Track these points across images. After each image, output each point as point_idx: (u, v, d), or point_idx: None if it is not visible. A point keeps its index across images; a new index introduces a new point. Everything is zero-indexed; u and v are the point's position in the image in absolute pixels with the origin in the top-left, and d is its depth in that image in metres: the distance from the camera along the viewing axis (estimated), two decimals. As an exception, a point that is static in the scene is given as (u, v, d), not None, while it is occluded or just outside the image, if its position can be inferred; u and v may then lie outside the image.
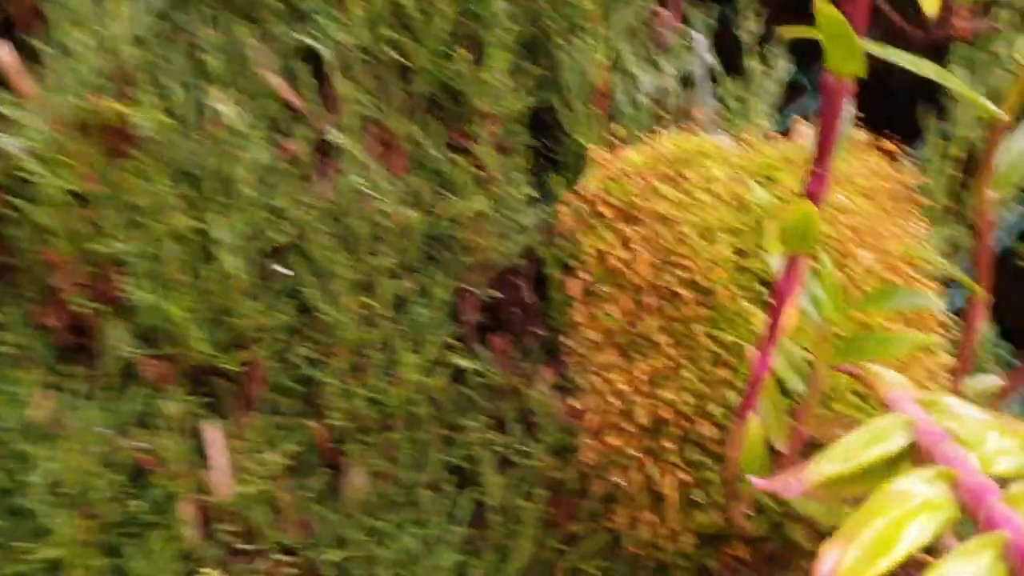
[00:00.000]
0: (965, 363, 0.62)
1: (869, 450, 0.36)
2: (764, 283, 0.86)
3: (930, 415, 0.37)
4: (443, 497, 0.78)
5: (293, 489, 0.77)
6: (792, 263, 0.46)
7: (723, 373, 0.85)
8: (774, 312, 0.50)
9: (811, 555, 0.62)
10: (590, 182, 0.91)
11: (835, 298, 0.51)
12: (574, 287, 0.92)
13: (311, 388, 0.82)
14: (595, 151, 0.84)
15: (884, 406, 0.41)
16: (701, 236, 0.87)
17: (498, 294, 1.03)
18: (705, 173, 0.88)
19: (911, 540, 0.28)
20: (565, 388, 0.97)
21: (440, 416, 0.84)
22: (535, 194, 1.04)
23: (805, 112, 1.15)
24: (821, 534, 0.58)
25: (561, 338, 0.96)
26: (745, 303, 0.86)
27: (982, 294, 0.58)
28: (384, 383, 0.81)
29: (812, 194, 0.40)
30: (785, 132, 0.98)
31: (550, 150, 1.01)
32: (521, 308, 1.10)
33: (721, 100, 1.11)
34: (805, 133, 0.99)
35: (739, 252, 0.87)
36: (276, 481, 0.76)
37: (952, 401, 0.38)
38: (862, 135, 1.00)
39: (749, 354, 0.71)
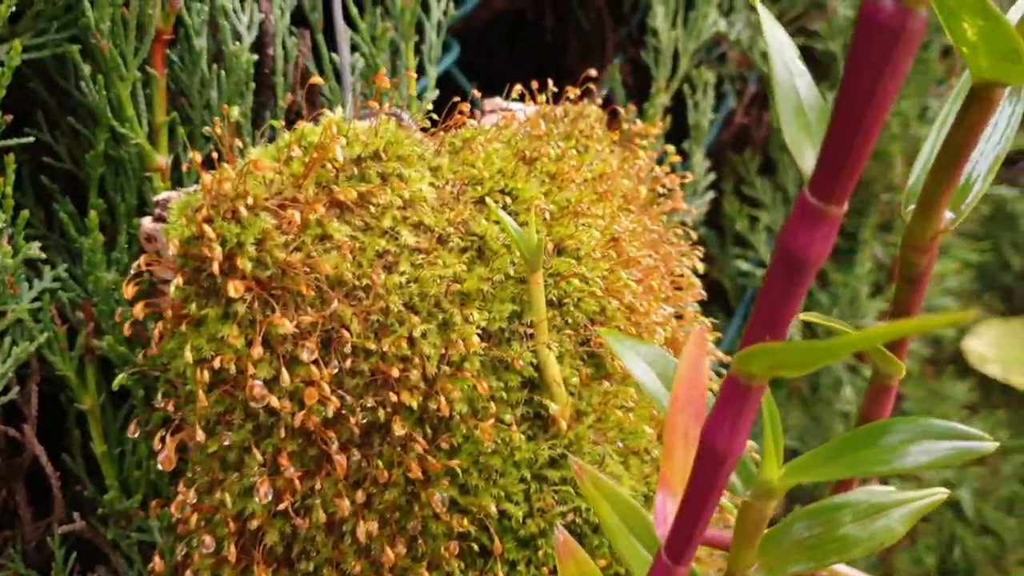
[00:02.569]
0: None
1: None
2: (531, 384, 0.52)
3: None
4: None
5: None
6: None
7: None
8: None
9: None
10: (176, 225, 0.46)
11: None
12: (164, 453, 0.47)
13: None
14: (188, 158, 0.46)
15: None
16: (418, 312, 0.48)
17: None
18: (404, 191, 0.49)
19: None
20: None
21: None
22: (36, 252, 0.56)
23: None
24: None
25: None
26: (517, 436, 0.50)
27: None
28: None
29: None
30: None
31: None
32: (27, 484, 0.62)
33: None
34: (497, 109, 0.64)
35: (487, 334, 0.51)
36: None
37: None
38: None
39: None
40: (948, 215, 0.52)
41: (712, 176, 1.02)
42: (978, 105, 0.47)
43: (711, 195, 1.02)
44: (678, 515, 0.41)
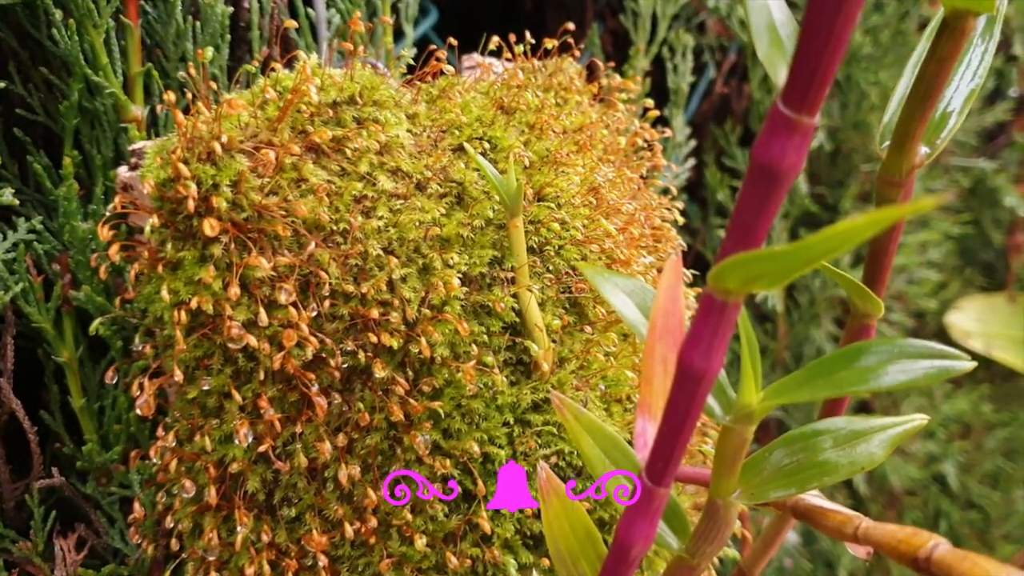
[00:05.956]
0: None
1: None
2: (513, 329, 0.52)
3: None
4: None
5: None
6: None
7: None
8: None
9: None
10: (151, 167, 0.45)
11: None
12: (144, 398, 0.47)
13: None
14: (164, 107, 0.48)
15: None
16: (397, 257, 0.48)
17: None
18: (380, 135, 0.49)
19: None
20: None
21: None
22: (10, 199, 0.56)
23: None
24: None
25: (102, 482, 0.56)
26: (499, 380, 0.50)
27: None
28: None
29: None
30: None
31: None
32: (4, 443, 0.62)
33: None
34: (475, 64, 0.64)
35: (467, 279, 0.51)
36: None
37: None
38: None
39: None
40: (923, 150, 0.52)
41: (693, 143, 1.02)
42: (950, 36, 0.47)
43: (692, 163, 1.02)
44: (658, 437, 0.41)
